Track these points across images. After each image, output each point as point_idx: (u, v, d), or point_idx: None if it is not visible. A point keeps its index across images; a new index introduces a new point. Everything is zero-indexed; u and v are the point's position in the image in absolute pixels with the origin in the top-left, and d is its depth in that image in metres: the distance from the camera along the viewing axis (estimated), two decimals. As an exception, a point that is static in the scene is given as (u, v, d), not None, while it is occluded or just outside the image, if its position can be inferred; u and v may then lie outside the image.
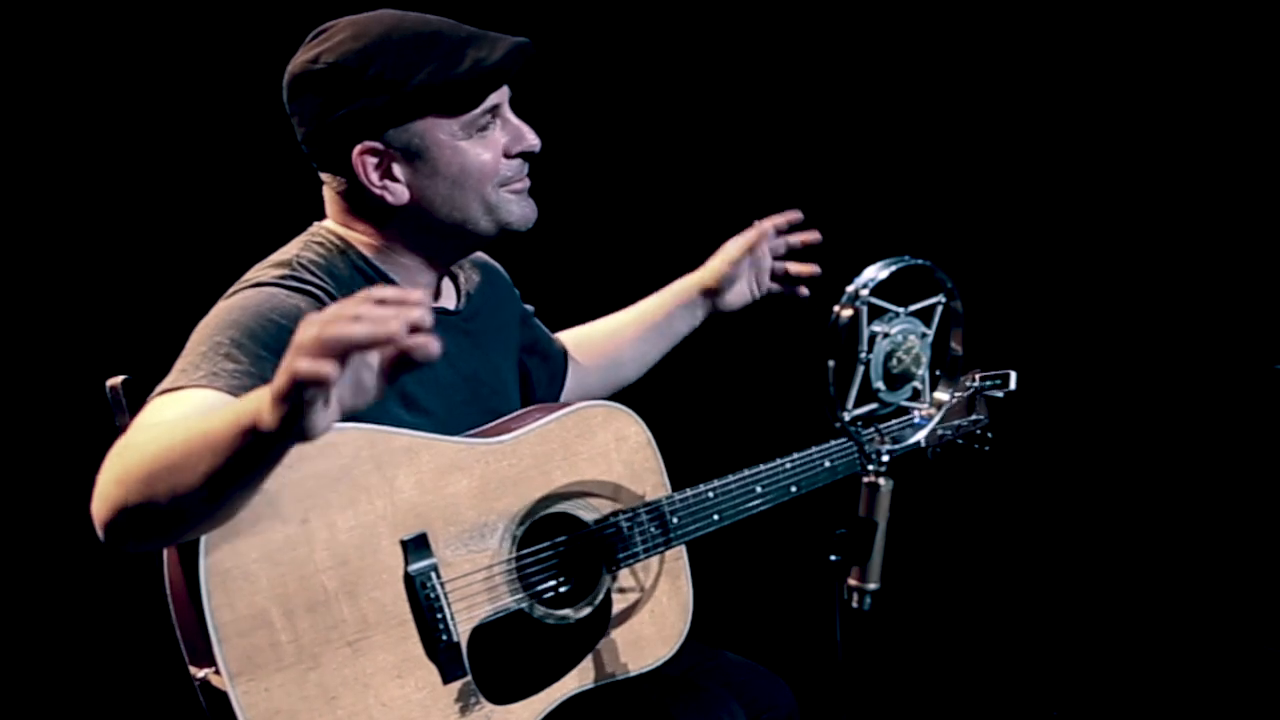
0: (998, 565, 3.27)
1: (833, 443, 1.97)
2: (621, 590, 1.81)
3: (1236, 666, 2.94)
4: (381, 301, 1.14)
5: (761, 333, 2.27)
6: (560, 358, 2.09)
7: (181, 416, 1.37)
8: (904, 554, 1.70)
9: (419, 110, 1.62)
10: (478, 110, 1.65)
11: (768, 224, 2.08)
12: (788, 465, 1.93)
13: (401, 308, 1.14)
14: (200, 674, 1.47)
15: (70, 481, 2.43)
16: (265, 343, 1.51)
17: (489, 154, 1.68)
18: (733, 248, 2.08)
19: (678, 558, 1.89)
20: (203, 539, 1.41)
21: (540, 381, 2.02)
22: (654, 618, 1.84)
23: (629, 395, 2.08)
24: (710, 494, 1.87)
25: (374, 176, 1.64)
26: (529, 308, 2.05)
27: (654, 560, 1.84)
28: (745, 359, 3.06)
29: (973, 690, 3.03)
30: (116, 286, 2.73)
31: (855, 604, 1.44)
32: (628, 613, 1.81)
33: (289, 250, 1.69)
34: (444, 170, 1.66)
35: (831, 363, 1.37)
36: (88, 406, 1.89)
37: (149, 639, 1.77)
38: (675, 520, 1.83)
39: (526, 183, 1.74)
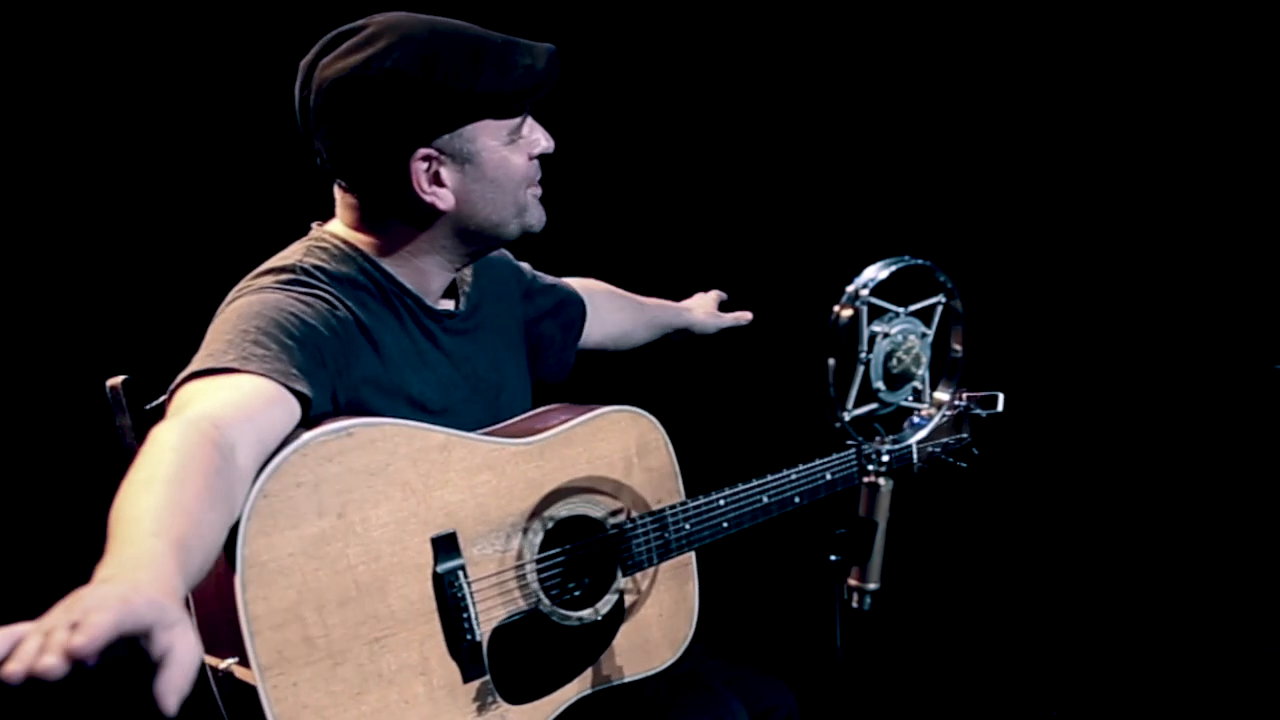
0: (997, 565, 3.27)
1: (833, 456, 2.01)
2: (632, 593, 1.82)
3: (1236, 666, 2.94)
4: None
5: (769, 338, 2.29)
6: (576, 304, 2.10)
7: (178, 452, 1.29)
8: (904, 554, 1.70)
9: (475, 116, 1.62)
10: (520, 116, 1.68)
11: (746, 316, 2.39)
12: (794, 476, 1.97)
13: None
14: (222, 665, 1.44)
15: (71, 481, 2.44)
16: (290, 333, 1.51)
17: (522, 157, 1.70)
18: (711, 324, 2.36)
19: (686, 563, 1.90)
20: (240, 532, 1.39)
21: (554, 342, 2.04)
22: (661, 621, 1.85)
23: (644, 398, 2.09)
24: (721, 501, 1.89)
25: (424, 182, 1.63)
26: (525, 268, 2.04)
27: (664, 564, 1.85)
28: (751, 362, 3.05)
29: (973, 690, 3.03)
30: (116, 287, 2.72)
31: (855, 604, 1.44)
32: (637, 616, 1.82)
33: (290, 256, 1.66)
34: (490, 174, 1.66)
35: (831, 363, 1.36)
36: (88, 406, 1.89)
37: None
38: (688, 526, 1.85)
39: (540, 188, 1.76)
